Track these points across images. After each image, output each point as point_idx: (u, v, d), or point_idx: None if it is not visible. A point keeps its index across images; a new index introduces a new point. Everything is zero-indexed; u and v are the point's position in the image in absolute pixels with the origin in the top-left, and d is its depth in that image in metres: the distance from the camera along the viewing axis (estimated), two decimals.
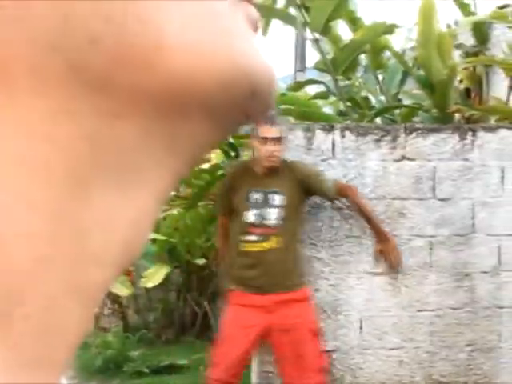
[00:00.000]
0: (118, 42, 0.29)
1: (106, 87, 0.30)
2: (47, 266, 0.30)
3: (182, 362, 7.78)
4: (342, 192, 4.91)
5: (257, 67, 0.34)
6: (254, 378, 5.31)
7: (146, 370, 7.53)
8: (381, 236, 5.03)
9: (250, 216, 4.66)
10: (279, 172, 4.66)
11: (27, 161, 0.30)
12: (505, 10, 5.88)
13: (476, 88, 6.20)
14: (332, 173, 5.20)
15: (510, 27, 5.75)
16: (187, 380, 7.34)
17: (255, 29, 0.36)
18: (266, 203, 4.67)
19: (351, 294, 5.25)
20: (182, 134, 0.33)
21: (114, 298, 8.81)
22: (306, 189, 4.75)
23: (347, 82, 6.19)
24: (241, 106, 0.34)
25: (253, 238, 4.65)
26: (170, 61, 0.30)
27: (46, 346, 0.32)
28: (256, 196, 4.68)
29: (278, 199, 4.66)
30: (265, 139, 4.55)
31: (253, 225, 4.66)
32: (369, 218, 4.98)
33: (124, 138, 0.31)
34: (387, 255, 5.08)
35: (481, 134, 5.37)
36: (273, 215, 4.66)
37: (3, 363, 0.30)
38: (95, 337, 8.00)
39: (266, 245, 4.62)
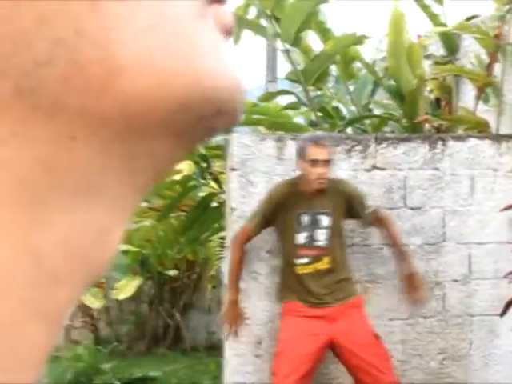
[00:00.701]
0: (69, 65, 0.29)
1: (58, 111, 0.29)
2: (4, 291, 0.30)
3: (154, 373, 7.74)
4: (379, 221, 4.93)
5: (223, 84, 0.33)
6: None
7: (118, 383, 7.47)
8: (411, 273, 4.97)
9: (301, 238, 4.69)
10: (326, 192, 4.66)
11: None
12: (472, 20, 5.92)
13: (446, 98, 6.23)
14: None
15: (475, 38, 5.79)
16: None
17: (227, 33, 0.35)
18: (315, 225, 4.70)
19: None
20: (141, 153, 0.32)
21: (85, 311, 8.76)
22: (348, 209, 4.77)
23: (318, 93, 6.19)
24: (205, 123, 0.33)
25: (305, 260, 4.69)
26: (124, 83, 0.30)
27: (12, 371, 0.31)
28: (305, 218, 4.71)
29: (325, 220, 4.70)
30: (315, 161, 4.51)
31: (303, 247, 4.69)
32: (400, 252, 4.98)
33: (81, 159, 0.30)
34: (413, 291, 5.01)
35: (451, 143, 5.39)
36: (322, 236, 4.69)
37: None
38: (66, 350, 7.94)
39: (318, 265, 4.68)
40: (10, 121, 0.29)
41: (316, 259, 4.66)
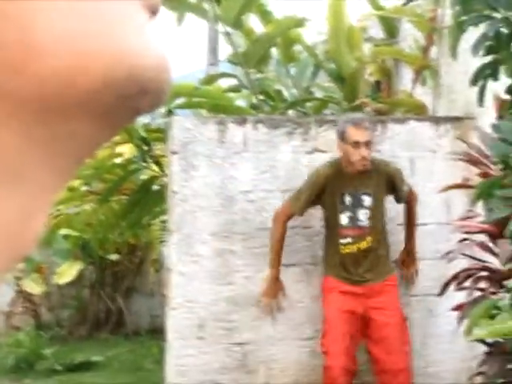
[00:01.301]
0: None
1: None
2: None
3: (96, 358, 7.70)
4: (410, 196, 4.98)
5: (146, 63, 0.32)
6: (168, 372, 5.25)
7: (59, 368, 7.44)
8: (412, 251, 5.13)
9: (344, 218, 4.75)
10: (368, 173, 4.70)
11: None
12: (410, 4, 5.96)
13: (385, 80, 6.28)
14: (245, 166, 5.23)
15: (410, 21, 5.85)
16: (102, 377, 7.28)
17: (154, 13, 0.35)
18: (357, 205, 4.75)
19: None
20: (63, 135, 0.32)
21: (25, 296, 8.67)
22: (390, 188, 4.83)
23: (259, 76, 6.18)
24: (129, 103, 0.33)
25: (348, 240, 4.75)
26: (42, 64, 0.29)
27: None
28: (348, 198, 4.75)
29: (367, 200, 4.75)
30: (357, 143, 4.56)
31: (347, 227, 4.75)
32: (412, 231, 5.07)
33: (2, 143, 0.30)
34: (407, 271, 5.18)
35: (390, 125, 5.43)
36: (364, 216, 4.75)
37: None
38: (7, 336, 7.88)
39: (361, 245, 4.73)
40: None
41: (359, 239, 4.73)
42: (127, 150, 6.35)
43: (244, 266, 5.25)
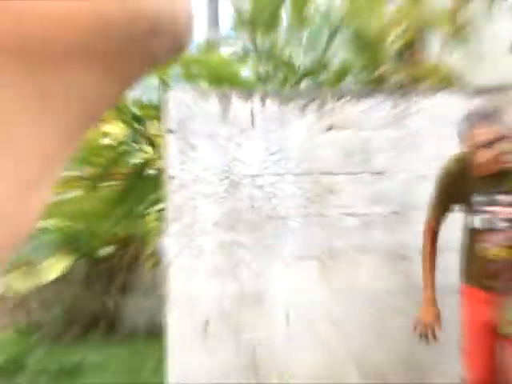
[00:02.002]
0: None
1: None
2: None
3: (90, 360, 7.86)
4: None
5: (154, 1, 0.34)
6: (170, 374, 5.27)
7: (49, 373, 7.57)
8: None
9: (478, 221, 4.48)
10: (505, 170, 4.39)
11: None
12: None
13: (412, 47, 6.23)
14: (252, 146, 5.24)
15: None
16: (97, 380, 7.41)
17: None
18: (494, 206, 4.47)
19: (276, 282, 5.25)
20: (60, 88, 0.33)
21: (14, 294, 8.99)
22: None
23: (267, 41, 6.13)
24: (137, 46, 0.34)
25: (486, 244, 4.45)
26: (23, 3, 0.30)
27: None
28: (481, 199, 4.47)
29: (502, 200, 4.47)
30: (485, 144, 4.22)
31: (483, 231, 4.46)
32: None
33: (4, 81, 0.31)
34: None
35: (419, 98, 5.40)
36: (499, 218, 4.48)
37: None
38: None
39: (497, 250, 4.42)
40: None
41: (494, 244, 4.42)
42: (117, 130, 6.37)
43: (252, 259, 5.25)
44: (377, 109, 5.31)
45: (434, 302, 4.65)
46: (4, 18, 0.30)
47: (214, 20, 9.35)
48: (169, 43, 0.35)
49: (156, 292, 8.12)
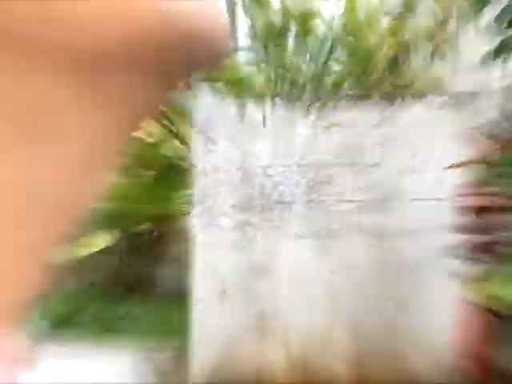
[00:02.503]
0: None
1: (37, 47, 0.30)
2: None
3: (127, 317, 7.97)
4: None
5: (185, 9, 0.33)
6: (194, 331, 5.43)
7: (93, 328, 7.67)
8: None
9: None
10: None
11: None
12: None
13: (403, 56, 6.18)
14: (262, 142, 5.28)
15: None
16: (133, 333, 7.50)
17: None
18: None
19: (282, 255, 5.30)
20: (109, 90, 0.33)
21: (72, 260, 8.88)
22: None
23: (277, 51, 6.11)
24: (176, 55, 0.33)
25: None
26: (80, 15, 0.30)
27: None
28: None
29: None
30: None
31: None
32: None
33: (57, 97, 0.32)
34: None
35: (408, 101, 5.43)
36: None
37: None
38: (45, 297, 8.02)
39: None
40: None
41: None
42: (152, 129, 6.36)
43: (261, 237, 5.31)
44: (369, 110, 5.32)
45: None
46: (59, 31, 0.30)
47: (232, 32, 9.20)
48: (206, 52, 0.34)
49: (183, 260, 8.04)
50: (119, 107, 0.34)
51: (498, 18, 2.48)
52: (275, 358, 5.29)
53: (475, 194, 3.99)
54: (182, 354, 6.05)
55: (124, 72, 0.32)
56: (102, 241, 8.35)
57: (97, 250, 8.41)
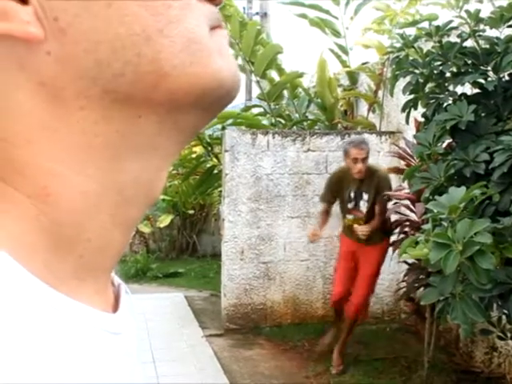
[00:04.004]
0: (134, 75, 0.29)
1: (129, 101, 0.30)
2: (98, 209, 0.31)
3: (181, 270, 7.77)
4: (382, 202, 4.05)
5: (227, 75, 0.32)
6: (223, 278, 5.18)
7: (160, 275, 7.52)
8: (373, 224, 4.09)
9: (350, 205, 4.14)
10: (366, 177, 3.96)
11: (82, 148, 0.30)
12: (365, 64, 5.90)
13: (350, 110, 6.23)
14: (267, 159, 5.16)
15: (367, 75, 5.80)
16: (184, 280, 7.32)
17: (227, 41, 0.34)
18: (359, 198, 4.09)
19: (279, 229, 5.21)
20: (182, 121, 0.32)
21: (140, 234, 8.73)
22: (376, 192, 3.99)
23: (276, 106, 6.16)
24: (219, 101, 0.33)
25: (351, 216, 4.13)
26: (168, 83, 0.30)
27: (100, 259, 0.32)
28: (352, 192, 4.07)
29: (365, 196, 4.03)
30: (355, 160, 3.88)
31: (351, 209, 4.11)
32: (376, 218, 4.06)
33: (144, 128, 0.31)
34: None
35: (353, 136, 5.29)
36: (363, 205, 4.05)
37: (73, 269, 0.31)
38: (130, 256, 7.99)
39: (357, 221, 4.06)
40: (99, 109, 0.29)
41: (357, 217, 4.08)
42: (198, 150, 6.37)
43: (266, 218, 5.19)
44: (332, 140, 5.24)
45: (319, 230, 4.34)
46: (162, 92, 0.30)
47: (248, 93, 9.30)
48: (231, 98, 0.33)
49: (217, 233, 8.09)
50: (178, 135, 0.33)
51: (404, 89, 2.50)
52: (275, 296, 5.25)
53: (401, 191, 3.99)
54: (215, 294, 6.10)
55: (191, 113, 0.32)
56: (165, 220, 8.27)
57: (164, 225, 8.33)
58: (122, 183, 0.31)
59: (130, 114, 0.30)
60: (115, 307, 0.36)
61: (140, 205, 0.33)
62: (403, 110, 2.53)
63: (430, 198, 2.03)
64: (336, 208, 5.16)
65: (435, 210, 1.69)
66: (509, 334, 2.20)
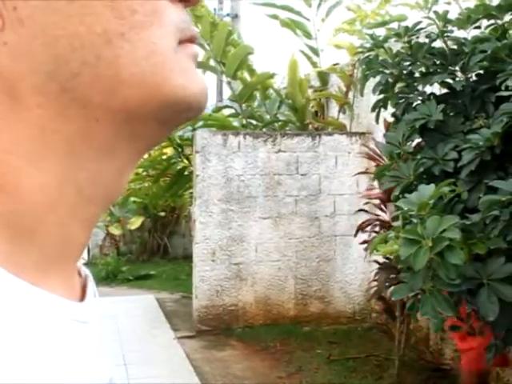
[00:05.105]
0: (92, 76, 0.28)
1: (87, 103, 0.29)
2: (56, 203, 0.30)
3: (152, 272, 7.75)
4: None
5: (189, 92, 0.31)
6: (194, 280, 5.17)
7: (131, 278, 7.49)
8: None
9: None
10: None
11: (42, 144, 0.29)
12: (336, 66, 5.94)
13: (321, 111, 6.27)
14: (238, 160, 5.15)
15: (337, 76, 5.84)
16: (155, 282, 7.31)
17: (195, 60, 0.33)
18: None
19: (251, 230, 5.20)
20: (140, 131, 0.32)
21: (111, 236, 8.69)
22: None
23: (248, 107, 6.16)
24: (179, 115, 0.32)
25: None
26: (125, 90, 0.29)
27: (62, 251, 0.32)
28: None
29: None
30: None
31: None
32: None
33: (102, 132, 0.30)
34: None
35: (324, 137, 5.39)
36: None
37: (35, 260, 0.30)
38: (100, 259, 7.91)
39: None
40: (57, 107, 0.29)
41: None
42: (169, 151, 6.33)
43: (238, 219, 5.18)
44: (303, 141, 5.26)
45: None
46: (118, 98, 0.29)
47: (219, 95, 9.28)
48: (195, 114, 0.33)
49: (188, 235, 8.08)
50: (144, 142, 0.33)
51: (374, 89, 2.52)
52: (247, 296, 5.24)
53: (372, 190, 4.01)
54: (186, 296, 6.05)
55: (148, 124, 0.32)
56: (136, 222, 8.22)
57: (134, 227, 8.28)
58: (81, 181, 0.31)
59: (87, 116, 0.29)
60: (82, 297, 0.35)
61: (99, 204, 0.33)
62: (373, 109, 2.55)
63: (400, 196, 2.05)
64: (308, 208, 5.25)
65: (405, 208, 1.70)
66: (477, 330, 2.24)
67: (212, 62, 5.91)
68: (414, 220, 1.66)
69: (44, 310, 0.29)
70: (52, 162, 0.29)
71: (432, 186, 1.74)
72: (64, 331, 0.30)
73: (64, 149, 0.30)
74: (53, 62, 0.28)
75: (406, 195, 1.79)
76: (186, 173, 6.12)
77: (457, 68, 2.31)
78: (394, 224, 1.85)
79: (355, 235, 4.17)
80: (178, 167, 6.24)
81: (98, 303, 0.37)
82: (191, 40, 0.33)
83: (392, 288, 1.87)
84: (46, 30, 0.27)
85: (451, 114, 2.32)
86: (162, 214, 8.57)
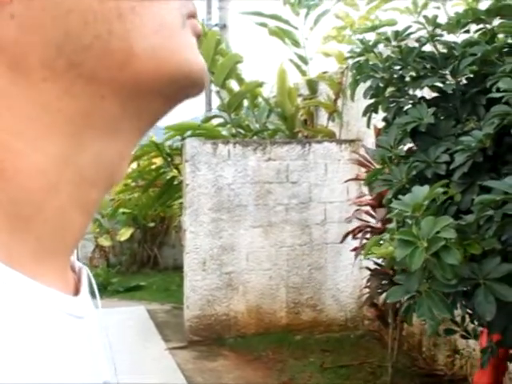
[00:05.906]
0: (102, 51, 0.28)
1: (94, 78, 0.29)
2: (56, 189, 0.29)
3: (142, 283, 7.69)
4: None
5: (195, 68, 0.32)
6: (185, 290, 5.14)
7: (122, 289, 7.43)
8: None
9: None
10: None
11: (43, 123, 0.28)
12: (325, 74, 5.97)
13: (310, 119, 6.29)
14: (228, 169, 5.15)
15: (326, 84, 5.87)
16: (146, 294, 7.26)
17: (198, 36, 0.34)
18: None
19: (241, 239, 5.19)
20: (144, 107, 0.32)
21: (100, 248, 8.64)
22: None
23: (236, 116, 6.16)
24: (184, 91, 0.33)
25: None
26: (136, 64, 0.29)
27: (59, 241, 0.31)
28: None
29: None
30: None
31: None
32: None
33: (107, 110, 0.30)
34: None
35: (313, 144, 5.40)
36: None
37: (31, 251, 0.29)
38: (90, 270, 7.85)
39: None
40: (64, 82, 0.28)
41: None
42: (158, 161, 6.30)
43: (228, 228, 5.17)
44: (293, 150, 5.27)
45: None
46: (127, 73, 0.29)
47: (208, 104, 9.27)
48: (198, 90, 0.33)
49: (178, 246, 8.02)
50: (145, 118, 0.33)
51: (365, 93, 2.53)
52: (238, 306, 5.22)
53: (362, 197, 4.02)
54: (177, 307, 6.01)
55: (154, 99, 0.32)
56: (126, 234, 8.17)
57: (124, 239, 8.21)
58: (82, 163, 0.30)
59: (93, 93, 0.29)
60: (76, 292, 0.35)
61: (100, 187, 0.32)
62: (364, 114, 2.55)
63: (393, 199, 2.04)
64: (299, 216, 5.24)
65: (399, 209, 1.69)
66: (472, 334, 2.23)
67: None
68: (409, 221, 1.65)
69: (38, 303, 0.28)
70: (53, 144, 0.29)
71: (426, 187, 1.73)
72: (58, 325, 0.29)
73: (66, 129, 0.29)
74: (64, 36, 0.27)
75: (400, 197, 1.78)
76: (175, 182, 6.09)
77: (447, 71, 2.31)
78: (388, 226, 1.84)
79: (341, 241, 4.15)
80: (168, 177, 6.21)
81: (98, 301, 0.38)
82: (193, 15, 0.33)
83: (388, 291, 1.85)
84: (57, 3, 0.27)
85: (442, 117, 2.33)
86: (152, 224, 8.50)
